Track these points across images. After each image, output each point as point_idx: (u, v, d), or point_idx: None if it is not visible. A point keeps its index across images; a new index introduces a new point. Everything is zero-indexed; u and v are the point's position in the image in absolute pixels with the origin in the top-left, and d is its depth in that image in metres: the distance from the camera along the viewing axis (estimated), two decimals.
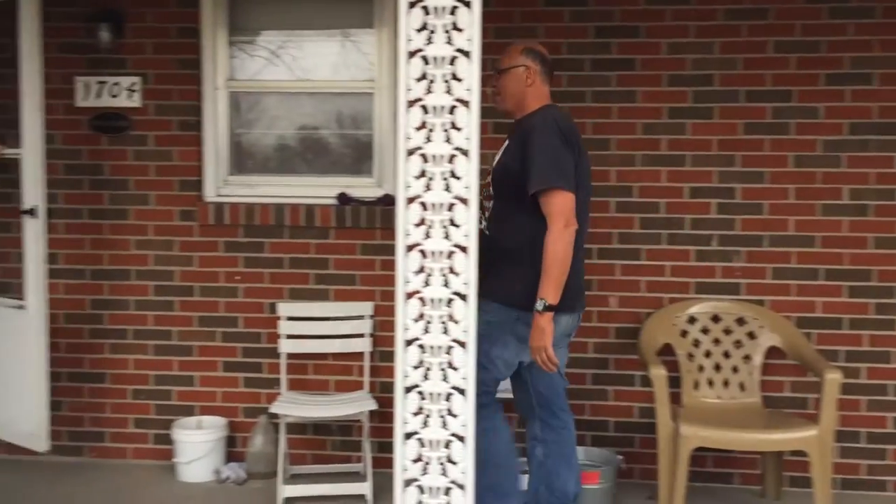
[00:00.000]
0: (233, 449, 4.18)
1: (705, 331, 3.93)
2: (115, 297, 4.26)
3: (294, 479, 3.98)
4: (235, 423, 4.20)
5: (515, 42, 3.28)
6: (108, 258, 4.26)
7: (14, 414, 3.92)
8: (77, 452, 4.26)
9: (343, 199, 4.17)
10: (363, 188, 4.22)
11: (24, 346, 3.85)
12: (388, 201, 4.13)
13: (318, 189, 4.25)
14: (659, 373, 3.52)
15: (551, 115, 3.09)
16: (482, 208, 3.14)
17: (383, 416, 4.00)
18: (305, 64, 4.34)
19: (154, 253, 4.25)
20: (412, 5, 2.53)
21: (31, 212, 3.80)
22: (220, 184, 4.29)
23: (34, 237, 3.83)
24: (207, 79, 4.24)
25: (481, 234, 3.04)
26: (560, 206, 2.93)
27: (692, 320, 3.94)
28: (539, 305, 2.93)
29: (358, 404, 3.88)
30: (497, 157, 3.21)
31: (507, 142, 3.21)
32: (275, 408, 3.83)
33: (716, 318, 3.94)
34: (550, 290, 2.92)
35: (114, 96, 4.17)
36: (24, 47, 3.76)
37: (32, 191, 3.81)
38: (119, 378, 4.26)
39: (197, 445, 4.00)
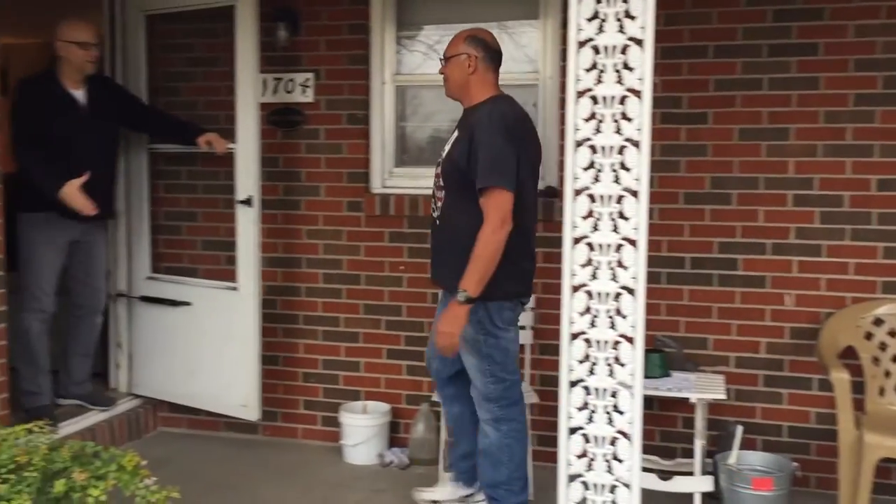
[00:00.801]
0: (395, 434, 4.29)
1: (893, 333, 3.65)
2: (287, 284, 4.46)
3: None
4: (398, 410, 4.31)
5: (462, 31, 3.28)
6: (282, 246, 4.47)
7: (225, 387, 4.26)
8: (253, 430, 4.51)
9: None
10: None
11: (236, 325, 4.19)
12: (550, 193, 4.10)
13: None
14: (841, 377, 3.31)
15: (498, 109, 3.10)
16: (434, 198, 3.26)
17: (544, 409, 3.97)
18: None
19: (323, 242, 4.42)
20: None
21: (247, 201, 4.11)
22: (385, 175, 4.41)
23: (248, 224, 4.14)
24: (375, 73, 4.36)
25: (433, 222, 3.26)
26: (497, 205, 2.97)
27: (878, 322, 3.67)
28: (461, 297, 2.98)
29: None
30: (446, 149, 3.24)
31: (455, 133, 3.24)
32: (437, 396, 3.88)
33: None
34: (473, 283, 2.97)
35: (289, 92, 4.37)
36: (241, 48, 4.07)
37: (247, 182, 4.13)
38: (291, 361, 4.46)
39: (362, 429, 4.14)
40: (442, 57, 3.30)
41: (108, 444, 3.12)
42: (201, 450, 4.33)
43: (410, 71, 4.41)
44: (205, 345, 4.32)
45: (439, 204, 3.25)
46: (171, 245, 4.61)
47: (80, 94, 4.03)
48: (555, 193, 4.10)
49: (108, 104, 4.14)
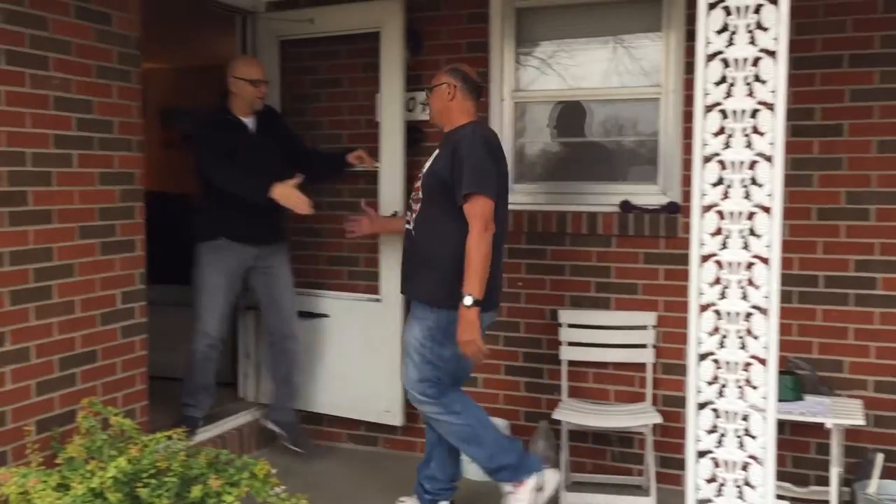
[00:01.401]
0: None
1: None
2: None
3: (575, 486, 3.99)
4: (517, 426, 4.29)
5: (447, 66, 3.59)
6: None
7: (369, 394, 4.41)
8: (373, 443, 4.60)
9: (626, 206, 4.11)
10: (647, 196, 4.13)
11: (379, 335, 4.37)
12: (673, 209, 4.01)
13: (599, 197, 4.24)
14: None
15: (479, 130, 3.40)
16: (410, 209, 3.49)
17: (667, 431, 3.89)
18: (577, 72, 4.36)
19: None
20: (712, 6, 2.43)
21: (394, 215, 4.29)
22: None
23: (392, 239, 4.28)
24: (494, 90, 4.38)
25: (407, 233, 3.47)
26: (481, 211, 3.23)
27: None
28: (468, 301, 3.17)
29: (641, 416, 3.80)
30: (428, 164, 3.47)
31: (437, 150, 3.47)
32: (557, 414, 3.86)
33: None
34: (476, 286, 3.18)
35: (410, 110, 4.45)
36: (385, 69, 4.29)
37: (392, 199, 4.34)
38: None
39: None
40: (427, 87, 3.61)
41: (238, 451, 3.26)
42: (326, 460, 4.44)
43: (531, 87, 4.42)
44: (343, 355, 4.47)
45: (413, 216, 3.46)
46: (303, 260, 4.75)
47: (249, 122, 4.24)
48: (678, 209, 4.01)
49: (274, 133, 4.31)
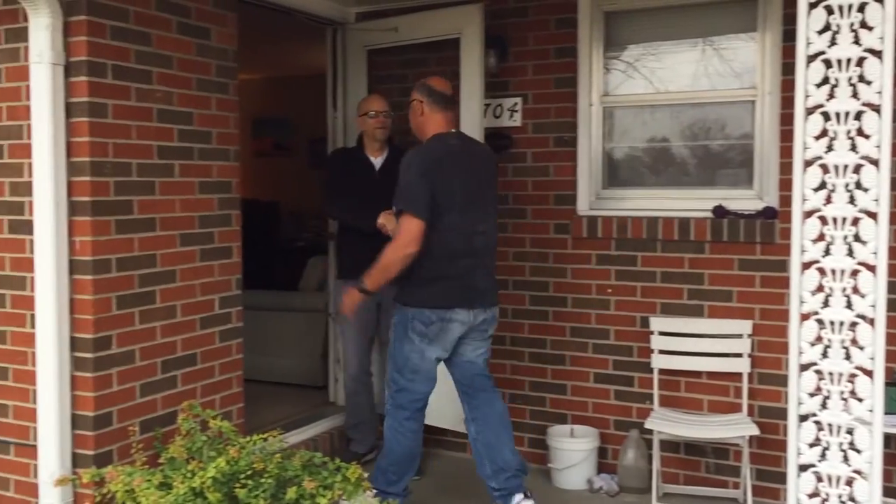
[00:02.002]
0: (603, 460, 4.23)
1: None
2: None
3: (667, 497, 3.92)
4: (606, 435, 4.24)
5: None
6: None
7: (447, 401, 4.31)
8: (461, 448, 4.58)
9: (720, 211, 4.02)
10: (742, 200, 4.03)
11: None
12: (770, 214, 3.91)
13: (691, 202, 4.16)
14: None
15: (424, 149, 3.57)
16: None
17: (763, 443, 3.78)
18: (664, 75, 4.30)
19: (530, 264, 4.46)
20: (813, 6, 2.36)
21: None
22: (592, 198, 4.38)
23: None
24: (583, 95, 4.35)
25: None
26: (406, 228, 3.44)
27: None
28: (360, 285, 3.54)
29: (737, 427, 3.71)
30: None
31: None
32: (649, 423, 3.80)
33: None
34: (370, 280, 3.53)
35: (497, 117, 4.46)
36: (465, 75, 4.30)
37: None
38: (498, 382, 4.41)
39: (571, 453, 4.11)
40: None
41: (329, 454, 3.31)
42: None
43: (617, 91, 4.37)
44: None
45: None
46: None
47: (377, 161, 4.35)
48: (775, 214, 3.89)
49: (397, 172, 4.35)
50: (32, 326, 3.23)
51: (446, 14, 4.38)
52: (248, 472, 2.99)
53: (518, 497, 3.54)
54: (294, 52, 6.76)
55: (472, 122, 4.30)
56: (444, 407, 4.40)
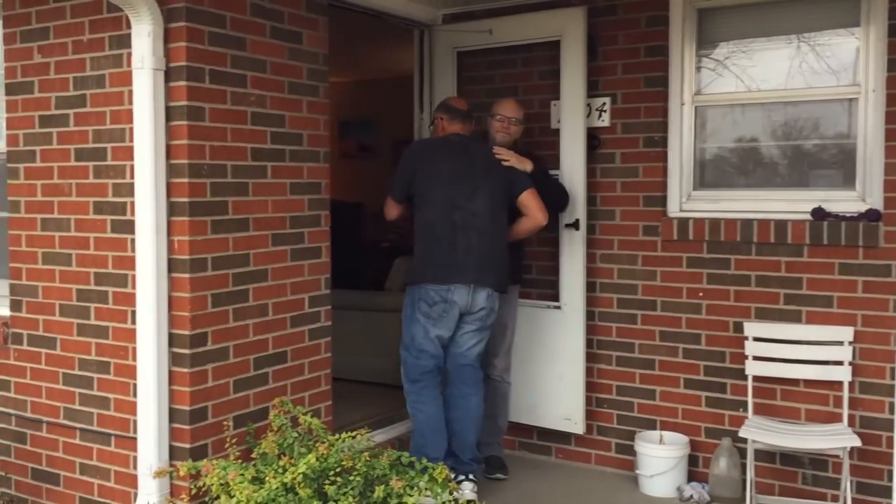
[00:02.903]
0: (693, 468, 4.12)
1: None
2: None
3: None
4: (696, 442, 4.14)
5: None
6: None
7: (549, 401, 4.43)
8: (546, 452, 4.57)
9: (819, 213, 3.87)
10: (843, 202, 3.88)
11: (559, 342, 4.38)
12: (874, 216, 3.75)
13: (787, 203, 4.02)
14: None
15: (420, 140, 4.34)
16: None
17: (865, 454, 3.63)
18: (754, 73, 4.18)
19: (618, 266, 4.39)
20: None
21: (574, 224, 4.30)
22: (683, 199, 4.28)
23: (575, 246, 4.35)
24: (674, 95, 4.26)
25: None
26: (385, 207, 4.16)
27: None
28: None
29: (837, 438, 3.57)
30: None
31: None
32: (744, 432, 3.69)
33: None
34: None
35: (586, 117, 4.40)
36: (566, 77, 4.32)
37: (572, 206, 4.33)
38: (586, 385, 4.45)
39: (660, 460, 4.03)
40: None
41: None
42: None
43: (707, 90, 4.26)
44: (520, 361, 4.47)
45: None
46: None
47: None
48: (879, 217, 3.73)
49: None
50: (133, 322, 3.34)
51: (548, 16, 4.37)
52: (338, 470, 3.03)
53: (462, 478, 3.85)
54: (380, 55, 6.84)
55: (575, 124, 4.31)
56: (545, 407, 4.44)
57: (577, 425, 4.36)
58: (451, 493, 3.05)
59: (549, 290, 4.47)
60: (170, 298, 3.28)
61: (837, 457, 3.69)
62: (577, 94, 4.29)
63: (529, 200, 4.00)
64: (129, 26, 3.25)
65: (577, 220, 4.30)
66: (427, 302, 3.85)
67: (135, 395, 3.35)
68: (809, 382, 3.88)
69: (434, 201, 3.91)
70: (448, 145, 4.07)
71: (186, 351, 3.27)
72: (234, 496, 2.87)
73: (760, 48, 4.20)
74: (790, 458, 3.92)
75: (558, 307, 4.40)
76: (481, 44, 4.60)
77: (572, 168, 4.33)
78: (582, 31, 4.25)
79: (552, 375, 4.40)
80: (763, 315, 3.99)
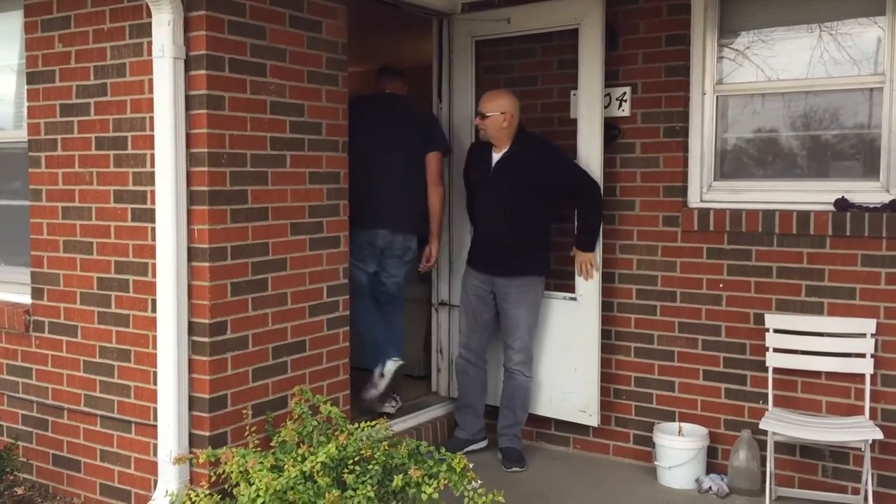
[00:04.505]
0: (713, 460, 4.10)
1: None
2: (602, 299, 4.44)
3: (780, 500, 3.78)
4: (716, 434, 4.12)
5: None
6: None
7: (563, 393, 4.42)
8: (565, 443, 4.56)
9: (842, 204, 3.83)
10: (866, 193, 3.84)
11: (575, 334, 4.36)
12: None
13: (811, 194, 3.98)
14: None
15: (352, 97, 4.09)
16: None
17: (887, 448, 3.60)
18: (775, 63, 4.13)
19: (637, 257, 4.36)
20: None
21: None
22: (704, 189, 4.25)
23: None
24: (695, 84, 4.22)
25: None
26: None
27: None
28: None
29: (858, 431, 3.54)
30: None
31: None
32: (764, 424, 3.66)
33: None
34: None
35: (605, 107, 4.37)
36: (584, 66, 4.29)
37: None
38: (602, 376, 4.44)
39: (679, 452, 4.01)
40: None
41: (431, 443, 3.33)
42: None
43: (728, 80, 4.22)
44: (547, 353, 4.46)
45: None
46: None
47: (496, 156, 4.35)
48: None
49: (516, 167, 4.30)
50: (153, 311, 3.36)
51: (565, 4, 4.34)
52: (356, 459, 3.03)
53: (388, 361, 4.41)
54: (397, 44, 6.80)
55: (592, 112, 4.27)
56: (563, 399, 4.43)
57: (591, 417, 4.35)
58: (469, 483, 3.04)
59: (569, 281, 4.44)
60: (189, 287, 3.29)
61: (858, 449, 3.66)
62: (595, 82, 4.25)
63: (429, 163, 4.49)
64: (149, 15, 3.25)
65: None
66: (357, 243, 4.23)
67: (155, 382, 3.37)
68: (831, 375, 3.84)
69: (359, 157, 4.07)
70: (376, 100, 4.56)
71: (206, 339, 3.28)
72: (253, 483, 2.88)
73: (782, 37, 4.15)
74: (810, 451, 3.89)
75: (574, 299, 4.38)
76: (501, 33, 4.58)
77: (588, 158, 4.29)
78: (600, 19, 4.21)
79: (567, 367, 4.39)
80: (784, 307, 3.96)
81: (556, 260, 4.53)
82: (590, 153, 4.30)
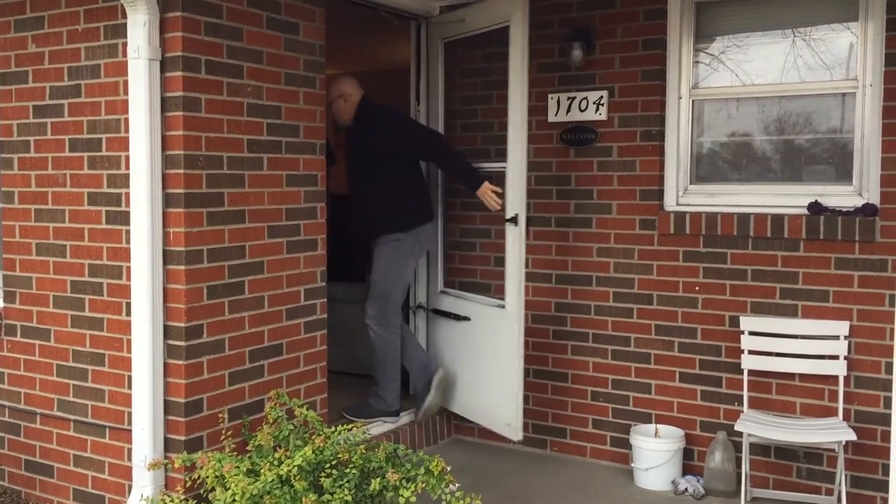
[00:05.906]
0: (689, 462, 4.13)
1: None
2: (577, 302, 4.47)
3: (755, 501, 3.81)
4: (691, 436, 4.14)
5: None
6: (572, 264, 4.49)
7: (493, 403, 4.35)
8: (541, 445, 4.57)
9: (815, 208, 3.87)
10: (840, 197, 3.88)
11: (503, 342, 4.25)
12: (870, 211, 3.75)
13: (783, 198, 4.03)
14: None
15: None
16: None
17: (859, 449, 3.64)
18: (749, 68, 4.17)
19: (614, 260, 4.38)
20: None
21: (513, 220, 4.17)
22: (680, 193, 4.28)
23: (515, 242, 4.20)
24: (671, 88, 4.26)
25: None
26: None
27: None
28: None
29: (832, 432, 3.57)
30: None
31: None
32: (739, 426, 3.69)
33: None
34: None
35: (582, 110, 4.39)
36: (512, 65, 4.17)
37: (514, 201, 4.17)
38: (579, 379, 4.46)
39: (655, 453, 4.03)
40: None
41: (409, 447, 3.32)
42: (492, 460, 4.45)
43: (706, 84, 4.25)
44: (478, 360, 4.43)
45: None
46: (463, 261, 4.81)
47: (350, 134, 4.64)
48: (875, 211, 3.73)
49: (360, 139, 4.53)
50: (128, 314, 3.33)
51: (498, 3, 4.26)
52: (333, 462, 3.02)
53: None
54: (375, 47, 6.79)
55: (517, 116, 4.11)
56: (493, 410, 4.32)
57: (516, 431, 4.18)
58: (447, 486, 3.04)
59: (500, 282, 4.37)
60: (165, 290, 3.27)
61: (832, 451, 3.69)
62: (520, 81, 4.10)
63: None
64: (124, 16, 3.23)
65: (517, 216, 4.13)
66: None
67: (129, 386, 3.34)
68: (805, 377, 3.88)
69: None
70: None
71: (182, 343, 3.25)
72: (229, 488, 2.86)
73: (756, 43, 4.19)
74: (785, 452, 3.93)
75: (502, 306, 4.27)
76: (460, 33, 4.55)
77: (515, 160, 4.13)
78: (523, 17, 4.06)
79: (493, 378, 4.29)
80: (759, 309, 4.00)
81: (499, 262, 4.46)
82: (515, 157, 4.13)
